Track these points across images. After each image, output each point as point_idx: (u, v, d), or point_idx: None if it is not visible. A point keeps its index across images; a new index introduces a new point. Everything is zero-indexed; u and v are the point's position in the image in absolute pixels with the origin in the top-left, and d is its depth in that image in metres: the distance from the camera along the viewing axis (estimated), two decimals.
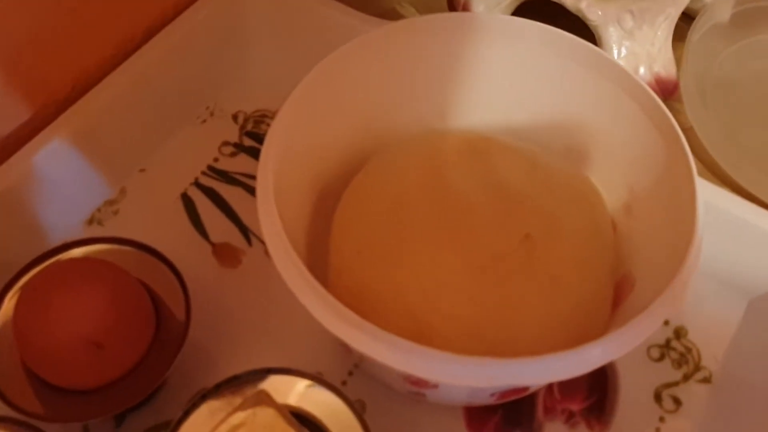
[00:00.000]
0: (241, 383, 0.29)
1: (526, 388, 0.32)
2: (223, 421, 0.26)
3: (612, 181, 0.35)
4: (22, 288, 0.31)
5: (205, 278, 0.38)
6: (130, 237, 0.34)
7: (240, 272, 0.38)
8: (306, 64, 0.33)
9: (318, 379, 0.30)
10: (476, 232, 0.32)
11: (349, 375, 0.36)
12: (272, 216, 0.28)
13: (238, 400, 0.28)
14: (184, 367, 0.35)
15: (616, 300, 0.33)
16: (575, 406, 0.35)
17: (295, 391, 0.30)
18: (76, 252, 0.33)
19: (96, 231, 0.39)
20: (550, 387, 0.36)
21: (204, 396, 0.29)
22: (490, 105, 0.37)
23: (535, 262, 0.32)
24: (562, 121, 0.36)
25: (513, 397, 0.33)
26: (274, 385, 0.29)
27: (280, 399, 0.29)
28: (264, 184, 0.29)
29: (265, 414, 0.26)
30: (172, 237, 0.39)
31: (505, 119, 0.37)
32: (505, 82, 0.37)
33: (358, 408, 0.29)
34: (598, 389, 0.36)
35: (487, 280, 0.31)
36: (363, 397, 0.35)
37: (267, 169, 0.29)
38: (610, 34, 0.42)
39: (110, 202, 0.40)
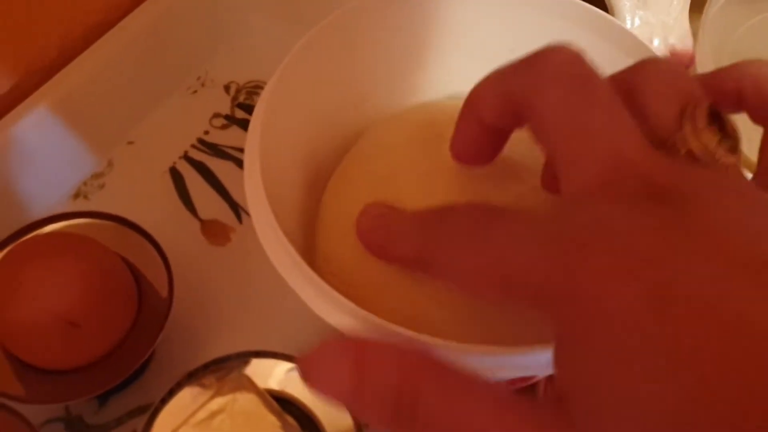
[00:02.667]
0: (224, 367, 0.28)
1: (532, 377, 0.31)
2: (202, 406, 0.25)
3: None
4: None
5: (193, 256, 0.36)
6: (117, 212, 0.33)
7: (229, 250, 0.37)
8: (301, 33, 0.31)
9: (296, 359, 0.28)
10: None
11: None
12: (259, 193, 0.26)
13: (219, 382, 0.26)
14: (170, 347, 0.34)
15: None
16: None
17: (279, 375, 0.28)
18: (56, 227, 0.32)
19: (81, 205, 0.38)
20: (551, 375, 0.34)
21: (185, 380, 0.28)
22: (485, 70, 0.35)
23: None
24: None
25: (518, 386, 0.32)
26: (257, 368, 0.28)
27: (263, 383, 0.28)
28: (251, 159, 0.27)
29: (245, 399, 0.25)
30: (160, 213, 0.38)
31: None
32: (508, 48, 0.34)
33: None
34: None
35: None
36: None
37: (254, 145, 0.27)
38: (624, 2, 0.40)
39: (97, 176, 0.39)
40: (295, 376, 0.28)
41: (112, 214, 0.32)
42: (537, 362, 0.24)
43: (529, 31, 0.34)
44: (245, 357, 0.28)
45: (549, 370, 0.24)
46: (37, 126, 0.36)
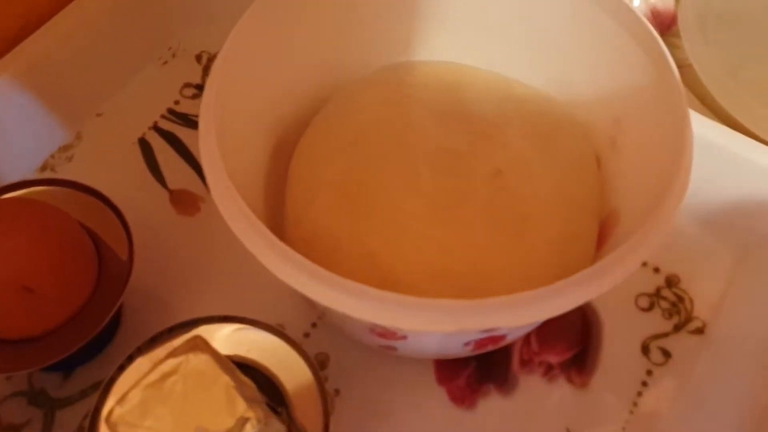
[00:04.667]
0: (178, 333, 0.27)
1: (502, 338, 0.30)
2: (154, 368, 0.24)
3: (597, 113, 0.32)
4: None
5: (162, 227, 0.36)
6: (84, 183, 0.32)
7: (198, 220, 0.36)
8: None
9: (268, 327, 0.28)
10: (440, 170, 0.30)
11: (313, 327, 0.33)
12: (214, 158, 0.25)
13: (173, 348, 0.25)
14: (138, 317, 0.33)
15: (602, 239, 0.30)
16: (554, 359, 0.33)
17: (244, 339, 0.27)
18: (15, 194, 0.31)
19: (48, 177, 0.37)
20: (527, 338, 0.33)
21: (139, 349, 0.27)
22: (462, 34, 0.34)
23: (505, 200, 0.29)
24: (542, 50, 0.33)
25: (489, 348, 0.31)
26: (219, 333, 0.27)
27: (225, 348, 0.27)
28: (206, 130, 0.26)
29: (198, 360, 0.24)
30: (129, 184, 0.37)
31: (480, 49, 0.34)
32: (480, 8, 0.33)
33: (310, 356, 0.27)
34: (579, 341, 0.33)
35: (454, 223, 0.29)
36: (327, 350, 0.33)
37: (209, 114, 0.26)
38: None
39: (65, 148, 0.38)
40: (258, 340, 0.27)
41: (72, 180, 0.31)
42: (501, 314, 0.23)
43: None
44: (208, 321, 0.27)
45: (515, 323, 0.24)
46: (1, 98, 0.35)
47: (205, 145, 0.26)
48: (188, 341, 0.25)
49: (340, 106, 0.33)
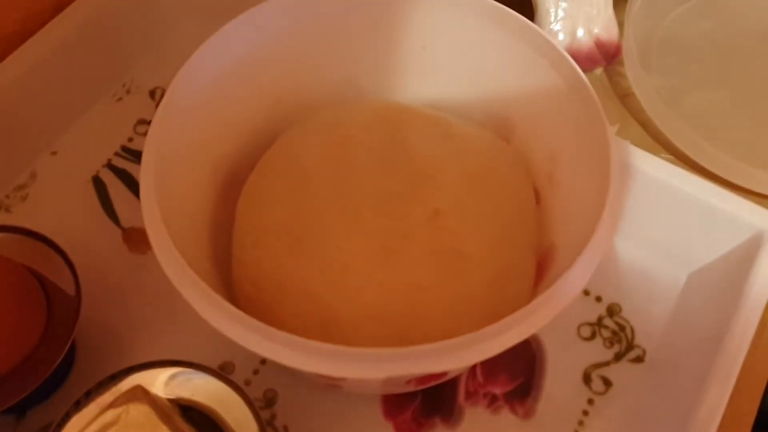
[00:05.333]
0: (122, 378, 0.27)
1: (444, 374, 0.31)
2: (95, 418, 0.25)
3: (534, 150, 0.33)
4: None
5: (114, 264, 0.36)
6: (39, 223, 0.32)
7: (150, 258, 0.36)
8: None
9: (209, 370, 0.28)
10: (383, 211, 0.30)
11: (262, 364, 0.34)
12: (152, 209, 0.26)
13: (115, 396, 0.26)
14: (92, 356, 0.34)
15: (540, 272, 0.31)
16: (498, 390, 0.33)
17: (188, 383, 0.28)
18: None
19: (3, 218, 0.37)
20: (473, 370, 0.34)
21: (86, 395, 0.27)
22: (405, 73, 0.35)
23: (444, 239, 0.30)
24: (481, 90, 0.34)
25: (432, 383, 0.32)
26: (156, 377, 0.28)
27: (173, 392, 0.28)
28: (146, 178, 0.27)
29: (138, 411, 0.25)
30: (82, 222, 0.37)
31: (420, 89, 0.35)
32: (421, 48, 0.34)
33: (249, 396, 0.28)
34: (523, 371, 0.34)
35: (395, 262, 0.30)
36: (275, 386, 0.33)
37: (150, 162, 0.27)
38: None
39: (19, 187, 0.39)
40: (202, 383, 0.28)
41: (15, 226, 0.32)
42: (432, 360, 0.24)
43: (445, 31, 0.34)
44: (150, 366, 0.28)
45: (446, 368, 0.24)
46: None
47: (146, 199, 0.26)
48: (128, 391, 0.25)
49: (284, 148, 0.34)
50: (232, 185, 0.34)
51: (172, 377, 0.28)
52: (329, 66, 0.35)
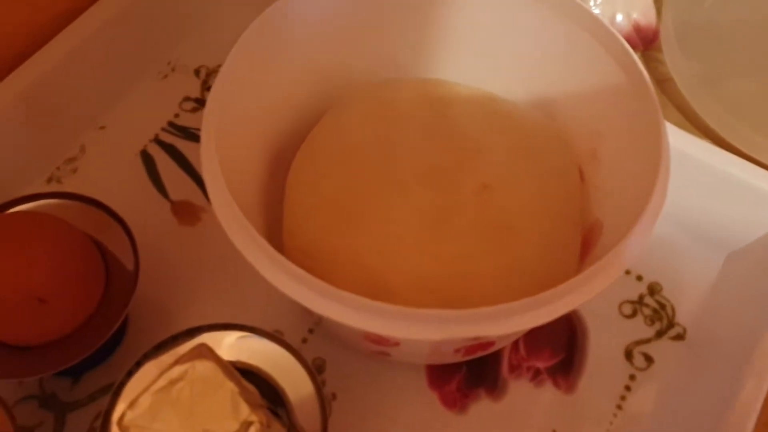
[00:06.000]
0: (183, 340, 0.28)
1: (491, 344, 0.31)
2: (161, 374, 0.25)
3: (578, 127, 0.34)
4: None
5: (164, 236, 0.37)
6: (89, 195, 0.33)
7: (199, 230, 0.37)
8: None
9: (268, 334, 0.29)
10: (430, 184, 0.31)
11: (310, 332, 0.35)
12: (215, 173, 0.27)
13: (180, 354, 0.27)
14: (142, 325, 0.34)
15: (586, 248, 0.32)
16: (542, 364, 0.34)
17: (245, 346, 0.29)
18: (24, 207, 0.32)
19: (55, 189, 0.38)
20: (515, 344, 0.34)
21: (146, 355, 0.28)
22: (449, 53, 0.36)
23: (492, 212, 0.31)
24: (525, 68, 0.35)
25: (479, 354, 0.32)
26: (222, 340, 0.28)
27: (228, 354, 0.28)
28: (207, 144, 0.27)
29: (204, 367, 0.25)
30: (131, 194, 0.38)
31: (465, 68, 0.36)
32: (465, 28, 0.35)
33: (308, 362, 0.28)
34: (566, 346, 0.35)
35: (443, 234, 0.30)
36: (323, 355, 0.34)
37: (210, 129, 0.28)
38: None
39: (69, 160, 0.39)
40: (259, 347, 0.29)
41: (79, 194, 0.32)
42: (487, 323, 0.24)
43: (489, 9, 0.34)
44: (203, 330, 0.29)
45: (500, 332, 0.25)
46: (9, 112, 0.36)
47: (207, 160, 0.27)
48: (194, 349, 0.26)
49: (331, 125, 0.34)
50: (280, 160, 0.35)
51: (231, 341, 0.29)
52: (375, 45, 0.36)
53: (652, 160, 0.28)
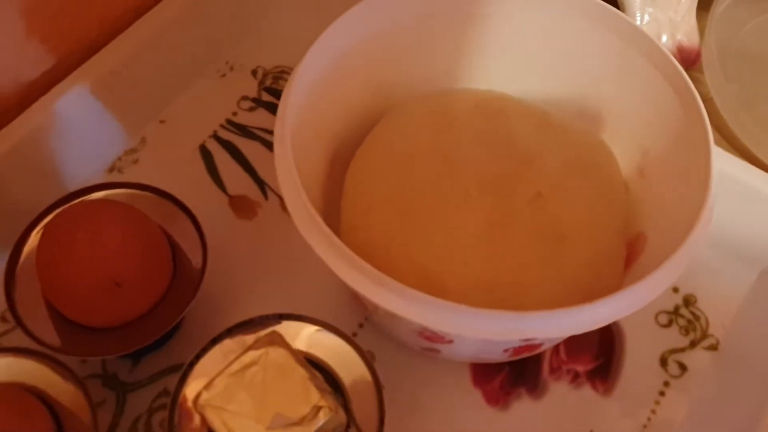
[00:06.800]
0: (254, 327, 0.30)
1: (538, 345, 0.33)
2: (236, 359, 0.27)
3: (625, 142, 0.35)
4: (46, 225, 0.32)
5: (222, 228, 0.38)
6: (161, 188, 0.35)
7: (255, 224, 0.39)
8: (326, 20, 0.33)
9: (328, 326, 0.31)
10: (487, 191, 0.33)
11: (360, 327, 0.36)
12: (290, 169, 0.28)
13: (250, 341, 0.28)
14: (197, 314, 0.36)
15: (629, 259, 0.33)
16: (581, 367, 0.36)
17: (306, 337, 0.30)
18: (98, 195, 0.34)
19: (116, 178, 0.40)
20: (556, 347, 0.36)
21: (216, 339, 0.30)
22: (502, 66, 0.37)
23: (544, 220, 0.32)
24: (576, 83, 0.36)
25: (525, 354, 0.34)
26: (285, 329, 0.30)
27: (291, 343, 0.30)
28: (281, 138, 0.29)
29: (277, 354, 0.27)
30: (190, 187, 0.39)
31: (517, 81, 0.37)
32: (518, 42, 0.37)
33: (367, 355, 0.30)
34: (604, 351, 0.36)
35: (498, 238, 0.32)
36: (372, 348, 0.36)
37: (285, 124, 0.29)
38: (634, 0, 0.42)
39: (130, 151, 0.41)
40: (319, 338, 0.30)
41: (150, 185, 0.34)
42: (543, 326, 0.26)
43: (543, 26, 0.36)
44: (274, 319, 0.30)
45: (555, 335, 0.27)
46: (75, 103, 0.38)
47: (281, 155, 0.29)
48: (267, 335, 0.28)
49: (392, 128, 0.36)
50: (336, 159, 0.36)
51: (296, 331, 0.30)
52: (432, 57, 0.37)
53: (701, 182, 0.29)
